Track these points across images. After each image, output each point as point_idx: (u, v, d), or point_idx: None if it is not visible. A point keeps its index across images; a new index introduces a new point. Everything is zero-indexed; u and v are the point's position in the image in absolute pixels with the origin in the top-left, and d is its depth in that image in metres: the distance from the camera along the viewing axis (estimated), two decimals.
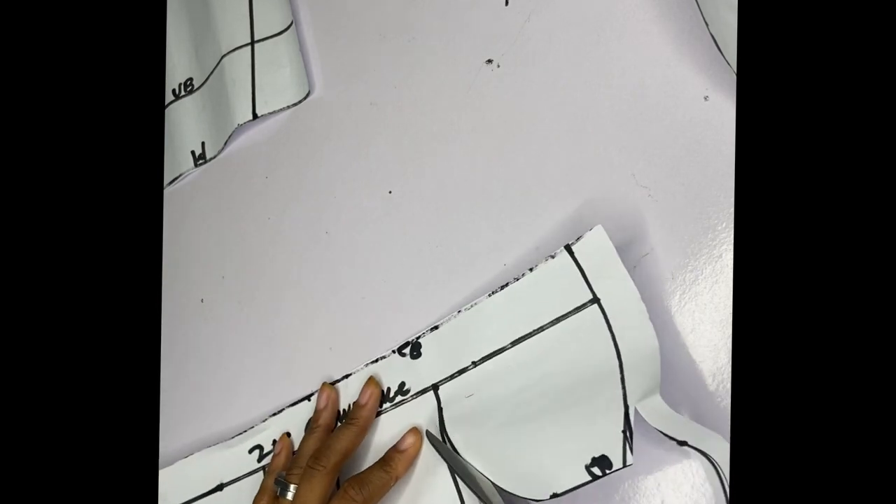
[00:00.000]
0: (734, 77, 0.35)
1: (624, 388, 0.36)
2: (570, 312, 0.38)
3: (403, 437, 0.42)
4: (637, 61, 0.40)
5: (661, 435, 0.35)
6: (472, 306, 0.41)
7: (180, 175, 0.58)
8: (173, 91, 0.59)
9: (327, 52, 0.52)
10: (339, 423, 0.45)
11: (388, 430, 0.44)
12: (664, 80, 0.39)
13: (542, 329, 0.39)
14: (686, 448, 0.34)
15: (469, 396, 0.40)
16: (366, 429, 0.44)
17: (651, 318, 0.37)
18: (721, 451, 0.34)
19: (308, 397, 0.47)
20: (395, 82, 0.49)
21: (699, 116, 0.38)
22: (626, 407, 0.36)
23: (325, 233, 0.50)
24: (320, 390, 0.46)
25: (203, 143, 0.57)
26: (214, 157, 0.56)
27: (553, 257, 0.39)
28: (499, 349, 0.40)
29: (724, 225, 0.37)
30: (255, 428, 0.48)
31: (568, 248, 0.39)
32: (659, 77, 0.40)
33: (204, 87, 0.57)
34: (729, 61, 0.36)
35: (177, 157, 0.58)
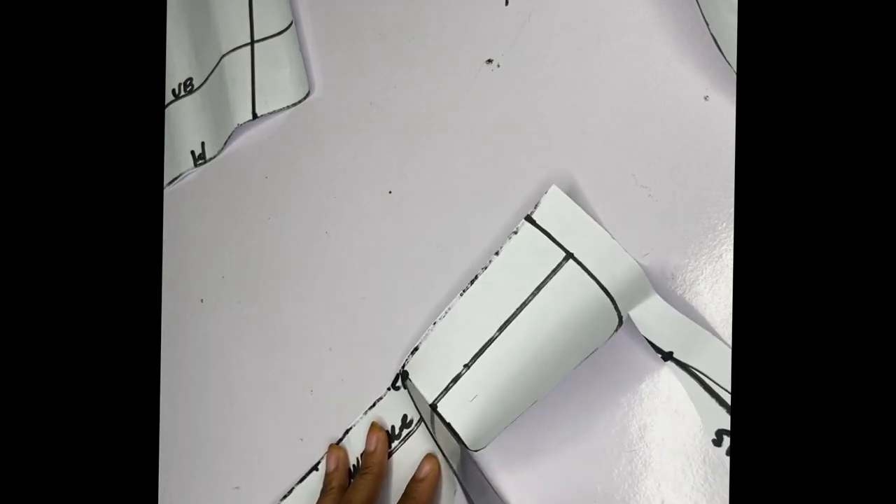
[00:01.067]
0: (734, 77, 0.35)
1: (618, 310, 0.37)
2: (548, 277, 0.38)
3: (420, 466, 0.42)
4: (637, 61, 0.40)
5: (650, 346, 0.35)
6: (445, 313, 0.40)
7: (180, 175, 0.57)
8: (173, 91, 0.59)
9: (327, 52, 0.52)
10: (351, 480, 0.45)
11: (405, 465, 0.43)
12: (664, 80, 0.39)
13: (526, 304, 0.38)
14: (671, 364, 0.35)
15: (474, 399, 0.39)
16: (381, 474, 0.43)
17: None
18: (719, 356, 0.34)
19: (315, 467, 0.47)
20: (395, 82, 0.49)
21: (699, 116, 0.38)
22: (620, 318, 0.36)
23: (325, 233, 0.50)
24: (327, 453, 0.46)
25: (203, 143, 0.57)
26: (214, 157, 0.56)
27: (516, 232, 0.38)
28: (488, 341, 0.39)
29: (724, 225, 0.37)
30: None
31: (529, 219, 0.38)
32: (659, 77, 0.40)
33: (204, 87, 0.57)
34: (729, 61, 0.36)
35: (177, 157, 0.58)
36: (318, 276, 0.49)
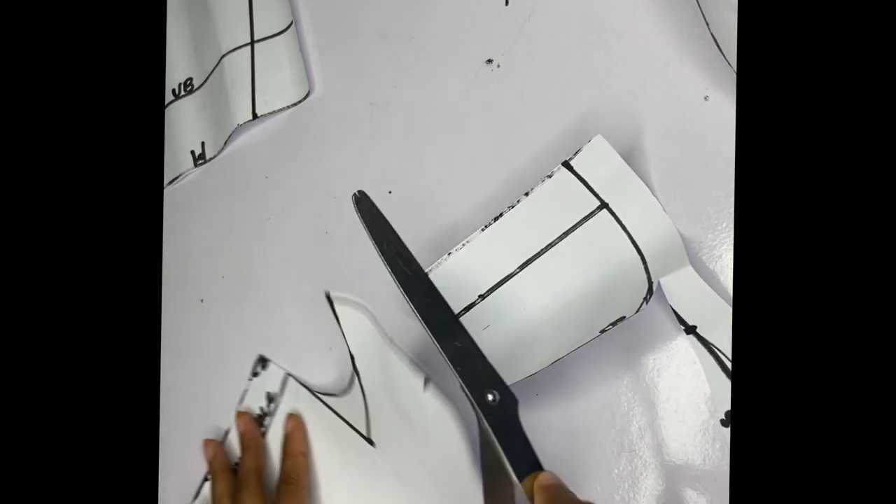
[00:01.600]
0: (734, 77, 0.35)
1: (648, 272, 0.36)
2: (578, 224, 0.37)
3: (284, 424, 0.47)
4: (637, 61, 0.40)
5: (675, 316, 0.35)
6: (463, 246, 0.39)
7: (180, 175, 0.58)
8: (173, 91, 0.59)
9: (327, 52, 0.52)
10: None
11: (280, 437, 0.48)
12: (664, 80, 0.39)
13: (552, 245, 0.37)
14: (691, 338, 0.35)
15: (486, 328, 0.38)
16: (257, 443, 0.48)
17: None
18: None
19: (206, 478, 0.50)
20: (395, 82, 0.49)
21: (699, 116, 0.38)
22: (650, 283, 0.35)
23: (325, 233, 0.50)
24: (203, 447, 0.50)
25: (203, 143, 0.57)
26: (214, 157, 0.56)
27: (550, 176, 0.37)
28: (507, 276, 0.38)
29: (724, 225, 0.37)
30: None
31: (566, 164, 0.37)
32: (659, 77, 0.40)
33: (204, 86, 0.57)
34: (729, 61, 0.36)
35: (177, 157, 0.58)
36: (318, 276, 0.49)
